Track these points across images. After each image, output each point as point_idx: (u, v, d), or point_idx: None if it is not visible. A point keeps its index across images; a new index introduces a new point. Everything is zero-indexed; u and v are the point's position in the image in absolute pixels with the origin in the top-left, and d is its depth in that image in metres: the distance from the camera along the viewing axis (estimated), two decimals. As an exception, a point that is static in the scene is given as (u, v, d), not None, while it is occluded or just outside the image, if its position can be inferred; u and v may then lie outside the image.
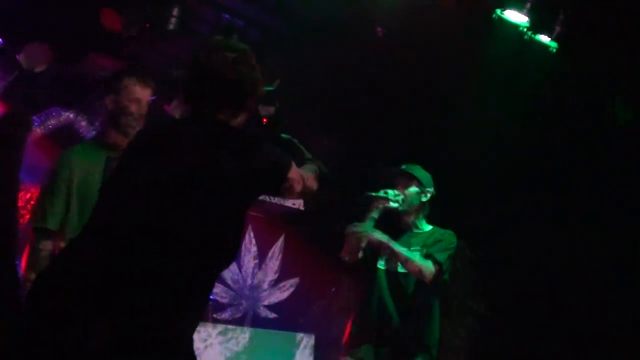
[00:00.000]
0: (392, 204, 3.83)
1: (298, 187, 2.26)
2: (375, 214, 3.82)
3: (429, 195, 3.95)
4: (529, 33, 5.30)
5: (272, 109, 2.91)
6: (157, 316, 1.85)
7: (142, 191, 2.00)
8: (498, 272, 5.93)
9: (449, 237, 3.95)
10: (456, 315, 6.13)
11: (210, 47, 2.26)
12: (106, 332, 1.79)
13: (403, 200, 3.87)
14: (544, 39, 5.32)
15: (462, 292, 6.13)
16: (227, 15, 5.46)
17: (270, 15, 5.50)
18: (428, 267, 3.71)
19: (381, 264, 3.88)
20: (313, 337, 6.43)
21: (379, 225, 3.85)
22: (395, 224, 3.99)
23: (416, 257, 3.73)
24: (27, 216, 5.98)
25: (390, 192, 3.84)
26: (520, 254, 5.84)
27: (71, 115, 6.19)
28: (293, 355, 6.32)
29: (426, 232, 3.99)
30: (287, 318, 7.06)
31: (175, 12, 5.28)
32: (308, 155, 2.69)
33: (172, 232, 1.93)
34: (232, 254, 2.12)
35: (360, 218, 3.83)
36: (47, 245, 3.00)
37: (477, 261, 6.05)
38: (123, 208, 1.99)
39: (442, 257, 3.81)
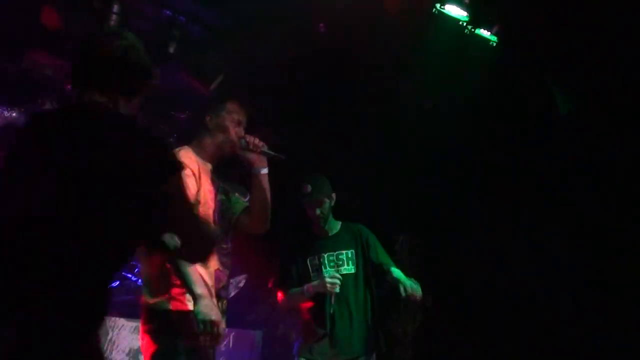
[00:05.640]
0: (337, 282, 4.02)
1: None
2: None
3: (334, 198, 4.28)
4: (469, 27, 5.34)
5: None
6: (53, 314, 1.78)
7: (26, 185, 1.96)
8: (438, 262, 5.95)
9: (367, 233, 4.26)
10: (404, 311, 6.12)
11: (103, 33, 2.35)
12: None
13: (324, 218, 4.23)
14: (484, 33, 5.37)
15: (409, 287, 6.09)
16: (167, 12, 5.44)
17: (211, 10, 5.47)
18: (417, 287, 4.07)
19: (328, 272, 4.10)
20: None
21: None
22: (307, 230, 4.33)
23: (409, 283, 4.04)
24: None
25: (328, 273, 4.09)
26: (459, 245, 5.87)
27: (14, 114, 6.11)
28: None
29: (339, 230, 4.31)
30: (236, 315, 6.99)
31: (115, 8, 5.23)
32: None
33: (59, 225, 1.87)
34: (126, 250, 2.04)
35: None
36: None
37: (420, 253, 6.05)
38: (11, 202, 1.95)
39: (387, 258, 4.23)
